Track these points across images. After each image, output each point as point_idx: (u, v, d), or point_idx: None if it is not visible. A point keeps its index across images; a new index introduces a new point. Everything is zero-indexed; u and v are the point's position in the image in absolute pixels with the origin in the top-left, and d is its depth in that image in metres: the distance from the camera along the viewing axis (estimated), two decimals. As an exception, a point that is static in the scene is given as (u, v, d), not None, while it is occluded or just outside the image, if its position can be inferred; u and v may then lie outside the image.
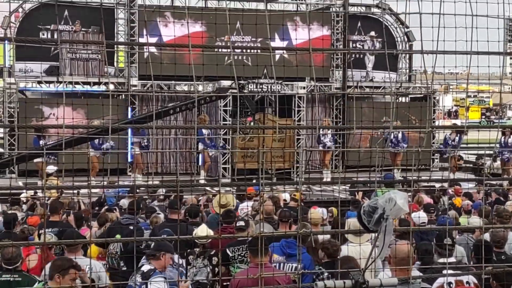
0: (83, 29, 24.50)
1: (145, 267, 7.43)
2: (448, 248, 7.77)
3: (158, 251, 7.51)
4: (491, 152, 21.01)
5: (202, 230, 9.01)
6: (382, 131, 21.86)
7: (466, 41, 5.29)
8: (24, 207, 14.15)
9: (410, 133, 22.67)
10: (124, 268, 9.34)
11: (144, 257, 8.36)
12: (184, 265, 8.49)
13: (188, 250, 8.95)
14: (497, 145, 20.51)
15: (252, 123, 20.98)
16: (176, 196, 12.04)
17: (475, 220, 11.46)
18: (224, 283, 7.96)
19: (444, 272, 6.66)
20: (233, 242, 8.92)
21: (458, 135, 23.19)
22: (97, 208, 13.46)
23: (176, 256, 8.30)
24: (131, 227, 9.91)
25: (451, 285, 6.27)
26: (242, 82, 21.36)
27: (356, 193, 14.68)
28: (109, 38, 23.51)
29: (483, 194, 13.72)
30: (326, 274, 7.77)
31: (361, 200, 13.49)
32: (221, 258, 8.74)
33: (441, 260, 7.78)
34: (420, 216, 10.81)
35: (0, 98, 24.46)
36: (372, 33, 27.30)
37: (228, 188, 14.20)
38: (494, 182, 16.22)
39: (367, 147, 23.75)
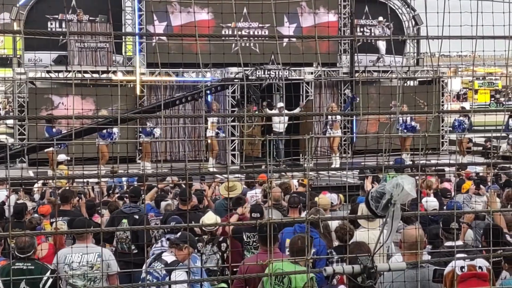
0: (90, 17, 24.56)
1: (168, 257, 7.46)
2: (455, 232, 7.78)
3: (183, 242, 7.55)
4: (499, 134, 20.96)
5: (209, 218, 9.08)
6: (390, 116, 21.82)
7: (472, 25, 5.30)
8: (36, 196, 14.26)
9: (418, 116, 22.64)
10: (136, 251, 9.51)
11: (158, 241, 8.46)
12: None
13: (197, 238, 9.03)
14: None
15: (256, 112, 21.01)
16: (185, 184, 12.13)
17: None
18: (234, 269, 8.02)
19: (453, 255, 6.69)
20: (250, 228, 9.00)
21: (467, 118, 23.14)
22: (106, 196, 13.55)
23: None
24: (136, 216, 10.03)
25: (463, 269, 6.29)
26: (246, 71, 21.37)
27: (365, 178, 14.69)
28: (116, 26, 23.57)
29: (491, 176, 13.70)
30: (336, 258, 7.84)
31: (371, 185, 13.52)
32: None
33: (449, 243, 7.81)
34: (429, 201, 10.81)
35: (9, 89, 24.56)
36: (380, 18, 27.15)
37: (237, 175, 14.27)
38: (502, 165, 16.20)
39: (375, 132, 23.76)
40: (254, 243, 8.98)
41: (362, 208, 9.15)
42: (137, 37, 24.07)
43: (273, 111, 21.91)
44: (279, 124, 21.61)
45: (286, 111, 20.52)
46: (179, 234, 7.86)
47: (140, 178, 12.94)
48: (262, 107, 22.02)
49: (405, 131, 22.44)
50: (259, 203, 11.39)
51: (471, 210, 11.01)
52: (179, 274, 7.12)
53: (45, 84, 24.05)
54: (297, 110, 22.88)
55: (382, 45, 26.98)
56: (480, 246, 8.40)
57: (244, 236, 9.10)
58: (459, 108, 36.02)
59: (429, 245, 8.05)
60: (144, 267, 7.77)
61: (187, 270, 7.12)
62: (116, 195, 13.40)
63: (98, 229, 7.70)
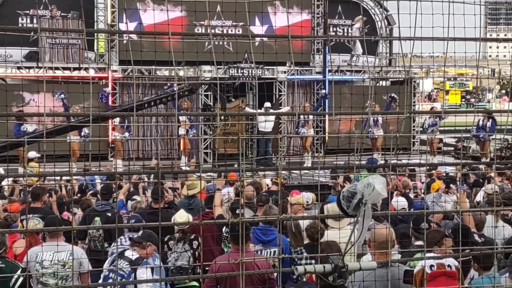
0: (62, 13, 24.38)
1: (132, 255, 7.45)
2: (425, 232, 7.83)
3: (145, 241, 7.57)
4: (468, 135, 21.17)
5: (181, 216, 9.06)
6: (362, 117, 21.94)
7: (443, 27, 5.34)
8: (6, 194, 14.14)
9: (390, 116, 22.82)
10: (109, 249, 9.46)
11: (122, 237, 8.43)
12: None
13: (168, 236, 9.02)
14: (474, 128, 20.69)
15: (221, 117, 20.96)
16: (157, 183, 12.08)
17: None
18: (206, 268, 8.03)
19: (423, 255, 6.75)
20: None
21: (437, 118, 23.36)
22: (79, 195, 13.48)
23: None
24: (108, 214, 9.99)
25: (433, 267, 6.37)
26: (210, 80, 21.42)
27: (337, 177, 14.75)
28: (89, 23, 23.44)
29: (461, 177, 13.84)
30: (305, 255, 7.87)
31: (342, 184, 13.59)
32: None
33: (418, 243, 7.88)
34: (399, 201, 10.88)
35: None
36: (360, 16, 27.17)
37: (209, 173, 14.26)
38: (472, 166, 16.36)
39: (348, 130, 23.87)
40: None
41: (328, 208, 9.18)
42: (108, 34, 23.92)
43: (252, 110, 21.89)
44: (265, 123, 21.62)
45: (267, 111, 20.67)
46: (141, 232, 7.81)
47: (109, 176, 12.87)
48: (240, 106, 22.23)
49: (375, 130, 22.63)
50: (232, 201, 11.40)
51: (441, 210, 11.09)
52: (143, 271, 7.13)
53: (16, 81, 23.83)
54: (286, 109, 23.12)
55: (360, 44, 27.03)
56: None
57: (223, 230, 9.12)
58: (429, 108, 36.32)
59: (397, 244, 8.10)
60: (105, 265, 7.71)
61: (152, 267, 7.13)
62: (90, 193, 13.35)
63: (70, 228, 7.65)
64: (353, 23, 27.47)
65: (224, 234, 9.18)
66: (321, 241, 7.73)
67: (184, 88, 20.62)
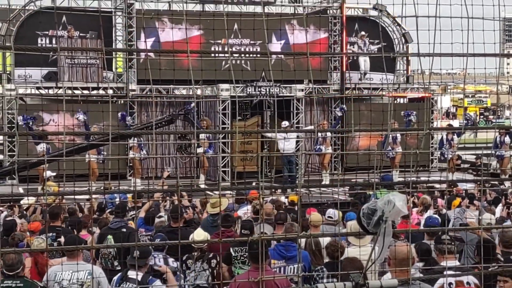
0: (81, 34, 24.56)
1: (137, 275, 7.43)
2: (449, 245, 7.69)
3: (146, 259, 7.60)
4: (489, 152, 21.08)
5: (199, 234, 9.04)
6: (381, 133, 21.87)
7: (463, 43, 5.30)
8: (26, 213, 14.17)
9: (409, 134, 22.79)
10: (119, 268, 9.42)
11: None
12: (179, 267, 8.54)
13: (187, 255, 9.00)
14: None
15: (196, 145, 21.10)
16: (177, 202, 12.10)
17: (486, 216, 11.12)
18: (224, 287, 7.99)
19: (445, 273, 6.67)
20: (237, 243, 8.98)
21: (455, 135, 23.30)
22: (97, 214, 13.50)
23: (170, 260, 8.36)
24: (124, 230, 9.99)
25: (451, 285, 6.30)
26: (188, 107, 21.35)
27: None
28: (107, 43, 23.59)
29: (482, 193, 13.77)
30: (326, 273, 7.83)
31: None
32: (224, 257, 8.83)
33: (444, 263, 7.76)
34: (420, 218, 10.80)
35: (-1, 105, 24.43)
36: (362, 32, 27.25)
37: (228, 192, 14.25)
38: (492, 182, 16.26)
39: (367, 148, 23.82)
40: (242, 258, 8.96)
41: (351, 226, 9.13)
42: (126, 53, 24.05)
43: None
44: (287, 145, 21.50)
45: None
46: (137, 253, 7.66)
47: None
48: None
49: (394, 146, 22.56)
50: (251, 218, 11.38)
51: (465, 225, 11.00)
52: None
53: (35, 101, 23.99)
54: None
55: (363, 61, 27.04)
56: (471, 261, 8.37)
57: (232, 251, 9.06)
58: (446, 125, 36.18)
59: (420, 262, 8.01)
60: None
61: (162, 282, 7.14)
62: (108, 211, 13.38)
63: (89, 246, 7.64)
64: (356, 40, 27.49)
65: (233, 254, 9.09)
66: (343, 258, 7.69)
67: (165, 118, 20.71)
